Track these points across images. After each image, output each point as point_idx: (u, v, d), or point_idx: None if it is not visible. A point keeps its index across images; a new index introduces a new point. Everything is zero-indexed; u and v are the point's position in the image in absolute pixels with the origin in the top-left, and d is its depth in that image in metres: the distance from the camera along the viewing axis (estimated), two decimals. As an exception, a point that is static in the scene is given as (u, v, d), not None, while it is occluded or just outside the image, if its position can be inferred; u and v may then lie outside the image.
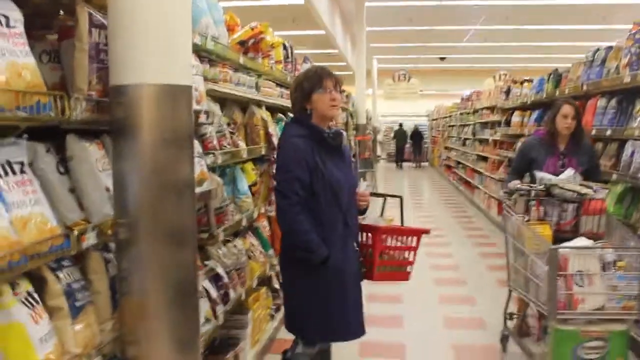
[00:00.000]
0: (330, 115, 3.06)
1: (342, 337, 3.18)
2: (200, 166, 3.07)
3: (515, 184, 4.21)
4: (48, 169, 2.07)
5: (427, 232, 3.31)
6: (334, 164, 3.03)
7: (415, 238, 3.24)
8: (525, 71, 16.61)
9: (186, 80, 2.28)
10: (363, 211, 3.25)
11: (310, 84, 3.02)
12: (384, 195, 3.50)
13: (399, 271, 3.26)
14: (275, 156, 4.55)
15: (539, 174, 4.14)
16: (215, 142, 3.49)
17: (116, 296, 2.24)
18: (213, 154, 3.39)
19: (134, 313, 2.21)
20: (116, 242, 2.22)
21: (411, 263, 3.27)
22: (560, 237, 3.76)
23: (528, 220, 3.88)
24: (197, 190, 2.97)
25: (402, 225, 3.36)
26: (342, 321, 3.06)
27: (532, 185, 4.08)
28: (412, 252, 3.26)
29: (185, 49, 2.31)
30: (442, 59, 25.19)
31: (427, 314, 5.49)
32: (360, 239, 3.18)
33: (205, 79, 3.32)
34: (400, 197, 3.37)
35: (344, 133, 3.21)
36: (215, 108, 3.60)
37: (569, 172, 4.10)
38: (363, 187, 3.27)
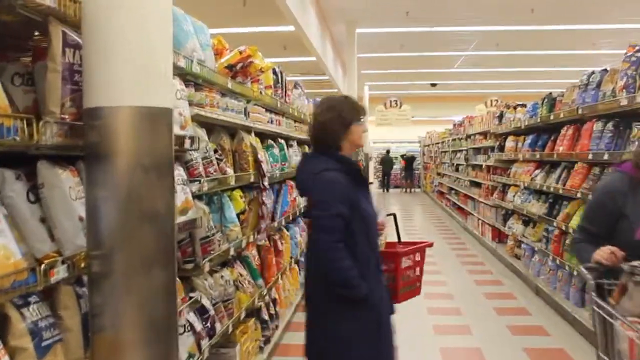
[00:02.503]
0: (361, 145, 3.08)
1: None
2: (184, 194, 2.94)
3: (609, 254, 2.56)
4: (17, 197, 1.94)
5: (430, 245, 3.50)
6: (365, 198, 2.97)
7: (419, 253, 3.41)
8: (515, 96, 16.66)
9: (166, 103, 2.15)
10: None
11: (350, 114, 3.00)
12: None
13: (413, 289, 3.39)
14: (264, 184, 4.45)
15: None
16: (201, 168, 3.36)
17: (89, 334, 2.08)
18: (199, 181, 3.25)
19: (107, 352, 2.04)
20: (89, 276, 2.07)
21: (420, 278, 3.43)
22: None
23: None
24: (182, 219, 2.84)
25: (399, 242, 3.47)
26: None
27: None
28: (418, 268, 3.42)
29: (166, 69, 2.18)
30: (433, 85, 25.30)
31: (422, 344, 5.32)
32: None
33: (191, 104, 3.20)
34: (394, 215, 3.51)
35: None
36: (202, 133, 3.47)
37: None
38: (382, 215, 3.21)
